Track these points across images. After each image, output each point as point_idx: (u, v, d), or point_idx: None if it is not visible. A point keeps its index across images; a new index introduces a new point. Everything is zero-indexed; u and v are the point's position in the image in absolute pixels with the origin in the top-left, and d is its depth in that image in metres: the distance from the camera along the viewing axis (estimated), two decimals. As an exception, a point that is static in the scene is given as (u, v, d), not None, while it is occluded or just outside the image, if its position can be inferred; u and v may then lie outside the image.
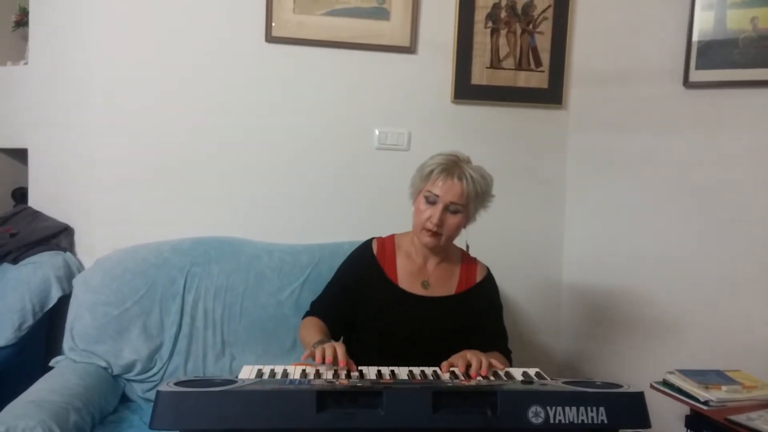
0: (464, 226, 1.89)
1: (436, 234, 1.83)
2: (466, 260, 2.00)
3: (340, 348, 1.54)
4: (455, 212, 1.83)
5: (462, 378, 1.50)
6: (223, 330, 2.28)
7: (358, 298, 1.91)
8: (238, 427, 1.20)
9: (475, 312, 1.92)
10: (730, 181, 2.40)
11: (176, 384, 1.26)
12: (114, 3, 2.41)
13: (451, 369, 1.57)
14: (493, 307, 1.99)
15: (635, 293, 2.61)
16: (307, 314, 1.95)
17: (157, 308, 2.25)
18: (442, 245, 1.88)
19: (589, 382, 1.36)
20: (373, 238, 2.02)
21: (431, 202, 1.83)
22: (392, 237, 2.01)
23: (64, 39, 2.51)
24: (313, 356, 1.53)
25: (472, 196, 1.82)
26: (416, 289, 1.90)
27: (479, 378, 1.50)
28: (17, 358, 2.24)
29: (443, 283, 1.93)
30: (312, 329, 1.81)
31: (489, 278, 2.00)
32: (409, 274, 1.93)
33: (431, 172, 1.83)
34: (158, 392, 1.22)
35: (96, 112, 2.46)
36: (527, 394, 1.27)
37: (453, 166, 1.83)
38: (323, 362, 1.50)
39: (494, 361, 1.58)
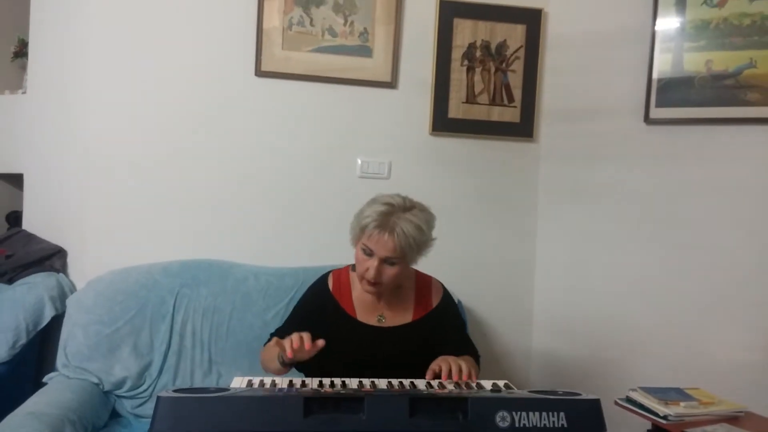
0: (404, 272, 1.88)
1: (375, 284, 1.83)
2: (420, 284, 2.02)
3: (305, 335, 1.62)
4: (392, 264, 1.81)
5: (437, 387, 1.61)
6: (210, 349, 2.34)
7: (317, 332, 1.82)
8: (232, 430, 1.27)
9: (437, 334, 1.94)
10: (689, 211, 2.50)
11: (174, 391, 1.34)
12: (110, 36, 2.50)
13: (428, 381, 1.66)
14: (454, 324, 2.02)
15: (602, 316, 2.68)
16: (267, 341, 1.96)
17: (147, 327, 2.31)
18: (383, 292, 1.90)
19: (552, 392, 1.46)
20: (330, 272, 2.03)
21: (368, 254, 1.82)
22: (347, 270, 2.02)
23: (62, 70, 2.60)
24: (284, 350, 1.62)
25: (406, 249, 1.79)
26: (373, 321, 1.93)
27: (452, 387, 1.60)
28: (10, 374, 2.29)
29: (398, 314, 1.95)
30: (273, 346, 1.83)
31: (445, 298, 2.02)
32: (365, 306, 1.94)
33: (366, 225, 1.80)
34: (158, 398, 1.30)
35: (91, 140, 2.54)
36: (495, 400, 1.37)
37: (386, 219, 1.79)
38: (293, 351, 1.59)
39: (467, 365, 1.69)
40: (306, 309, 1.99)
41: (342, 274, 2.02)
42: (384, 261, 1.80)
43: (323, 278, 2.03)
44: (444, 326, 1.98)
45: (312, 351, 1.63)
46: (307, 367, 1.83)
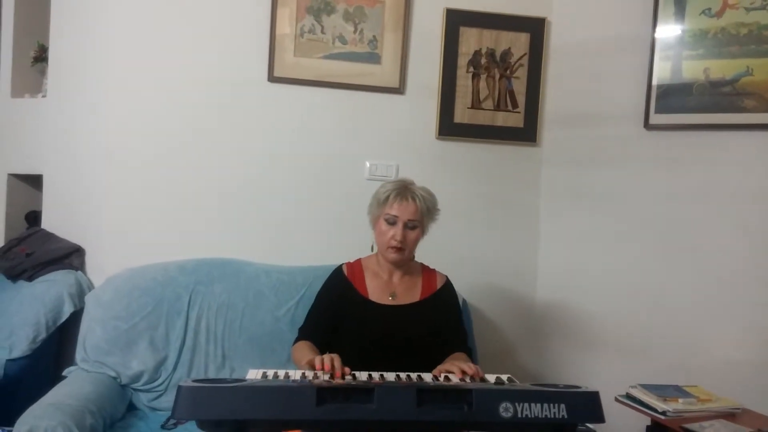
0: (420, 238, 2.12)
1: (400, 249, 2.06)
2: (427, 271, 2.23)
3: (337, 360, 1.70)
4: (413, 228, 2.07)
5: (442, 380, 1.67)
6: (223, 344, 2.41)
7: (337, 315, 2.10)
8: (248, 417, 1.33)
9: (439, 313, 2.14)
10: (687, 214, 2.54)
11: (194, 381, 1.41)
12: (128, 42, 2.60)
13: (434, 375, 1.74)
14: (453, 309, 2.21)
15: (603, 315, 2.74)
16: (297, 340, 2.10)
17: (163, 323, 2.38)
18: (405, 258, 2.11)
19: (553, 385, 1.50)
20: (343, 263, 2.22)
21: (391, 223, 2.06)
22: (359, 260, 2.23)
23: (81, 74, 2.68)
24: (313, 365, 1.69)
25: (424, 211, 2.07)
26: (385, 300, 2.12)
27: (457, 380, 1.67)
28: (31, 368, 2.37)
29: (408, 292, 2.15)
30: (304, 350, 1.98)
31: (448, 284, 2.22)
32: (378, 288, 2.14)
33: (387, 197, 2.07)
34: (179, 387, 1.35)
35: (108, 142, 2.62)
36: (499, 392, 1.41)
37: (404, 189, 2.07)
38: (323, 369, 1.66)
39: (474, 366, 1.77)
40: (326, 297, 2.17)
41: (355, 263, 2.22)
42: (406, 225, 2.05)
43: (338, 268, 2.22)
44: (447, 307, 2.18)
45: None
46: (330, 345, 2.03)
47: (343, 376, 1.65)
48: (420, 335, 2.07)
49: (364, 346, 2.01)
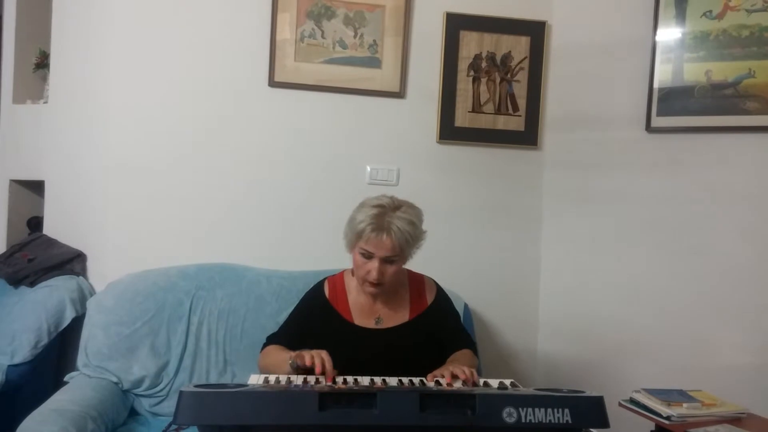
0: (402, 267, 1.95)
1: (378, 284, 1.89)
2: (414, 283, 2.06)
3: (328, 361, 1.66)
4: (392, 262, 1.87)
5: (445, 385, 1.66)
6: (225, 349, 2.40)
7: (315, 338, 1.90)
8: (250, 423, 1.33)
9: (434, 330, 1.99)
10: (690, 216, 2.55)
11: (196, 386, 1.40)
12: (129, 48, 2.59)
13: (435, 379, 1.72)
14: (450, 319, 2.08)
15: (606, 319, 2.73)
16: (265, 346, 2.00)
17: (164, 328, 2.37)
18: (385, 290, 1.95)
19: (557, 389, 1.50)
20: (325, 279, 2.07)
21: (367, 257, 1.87)
22: (342, 276, 2.06)
23: (82, 81, 2.68)
24: (302, 360, 1.66)
25: (403, 246, 1.86)
26: (370, 324, 1.97)
27: (460, 384, 1.66)
28: (32, 374, 2.37)
29: (396, 313, 1.99)
30: (277, 351, 1.90)
31: (439, 295, 2.07)
32: (362, 310, 1.98)
33: (362, 230, 1.84)
34: (181, 392, 1.35)
35: (110, 148, 2.62)
36: (502, 397, 1.41)
37: (380, 221, 1.84)
38: (313, 368, 1.62)
39: (468, 368, 1.73)
40: (302, 316, 2.03)
41: (337, 280, 2.06)
42: (384, 261, 1.86)
43: (319, 286, 2.07)
44: (441, 322, 2.04)
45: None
46: (311, 373, 1.85)
47: (334, 380, 1.64)
48: (410, 356, 1.91)
49: (352, 370, 1.76)
